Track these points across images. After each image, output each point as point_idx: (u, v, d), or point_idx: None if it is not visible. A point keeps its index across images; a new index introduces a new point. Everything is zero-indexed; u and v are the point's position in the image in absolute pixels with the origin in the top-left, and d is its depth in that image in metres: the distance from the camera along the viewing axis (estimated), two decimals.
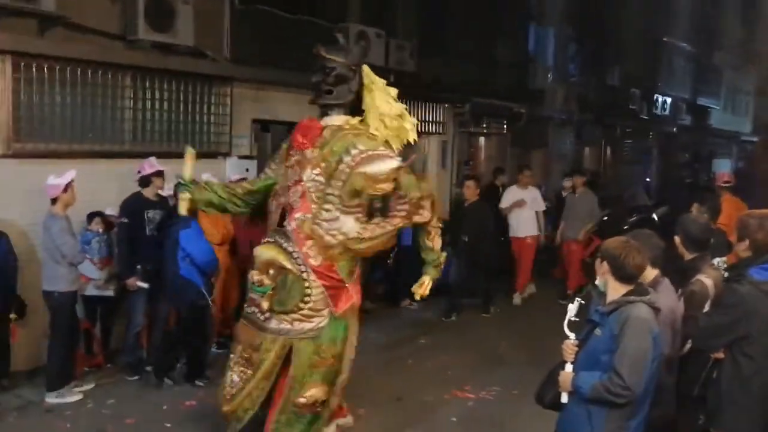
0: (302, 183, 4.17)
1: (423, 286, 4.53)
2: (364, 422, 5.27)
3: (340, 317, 4.16)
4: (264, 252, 4.12)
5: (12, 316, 5.49)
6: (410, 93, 10.34)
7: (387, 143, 4.33)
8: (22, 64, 5.86)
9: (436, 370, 6.50)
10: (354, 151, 4.06)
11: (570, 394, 3.24)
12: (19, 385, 5.70)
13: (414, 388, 6.01)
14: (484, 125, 12.89)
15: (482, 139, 13.42)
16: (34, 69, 5.95)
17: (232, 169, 7.56)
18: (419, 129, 10.69)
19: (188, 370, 6.05)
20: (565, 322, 3.30)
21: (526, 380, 4.47)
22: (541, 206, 9.37)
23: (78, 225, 5.89)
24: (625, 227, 9.46)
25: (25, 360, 5.92)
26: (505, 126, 13.20)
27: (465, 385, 6.07)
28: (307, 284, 4.06)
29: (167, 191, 6.14)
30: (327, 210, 4.08)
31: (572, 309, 3.31)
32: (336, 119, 4.30)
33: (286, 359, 4.19)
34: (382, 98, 4.34)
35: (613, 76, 16.63)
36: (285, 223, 4.21)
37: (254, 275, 4.13)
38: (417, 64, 10.37)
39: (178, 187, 4.41)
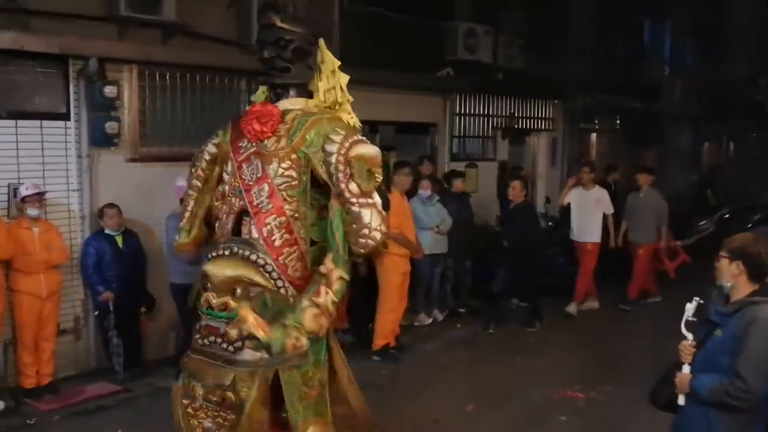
0: (268, 180, 3.28)
1: None
2: (472, 419, 5.27)
3: (322, 338, 3.30)
4: (222, 269, 3.22)
5: (142, 309, 5.93)
6: (520, 90, 10.24)
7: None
8: (147, 72, 6.26)
9: (544, 369, 6.40)
10: (337, 138, 3.22)
11: (687, 396, 3.11)
12: (150, 373, 6.06)
13: (522, 386, 5.94)
14: (596, 121, 12.53)
15: (594, 136, 13.04)
16: (157, 77, 6.34)
17: None
18: (528, 126, 10.81)
19: None
20: (683, 322, 3.16)
21: (639, 381, 4.31)
22: (609, 208, 8.33)
23: None
24: (749, 225, 8.93)
25: (155, 350, 6.34)
26: (618, 122, 12.76)
27: (575, 385, 5.93)
28: (292, 300, 3.21)
29: None
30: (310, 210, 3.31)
31: (690, 309, 3.17)
32: (295, 102, 3.41)
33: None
34: (326, 83, 3.50)
35: (734, 67, 15.70)
36: (246, 231, 3.33)
37: (211, 298, 3.22)
38: (526, 61, 10.24)
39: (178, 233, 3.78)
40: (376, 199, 3.22)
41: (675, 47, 14.33)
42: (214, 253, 3.33)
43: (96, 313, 5.93)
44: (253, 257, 3.20)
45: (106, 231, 5.83)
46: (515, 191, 7.62)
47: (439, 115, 9.38)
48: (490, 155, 10.17)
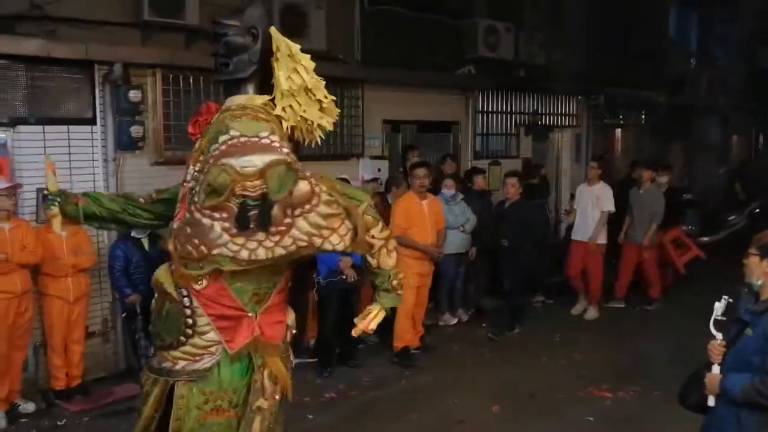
0: (185, 183, 3.06)
1: (368, 319, 3.10)
2: (497, 419, 5.25)
3: (237, 355, 2.95)
4: (156, 273, 3.09)
5: None
6: (542, 86, 10.17)
7: (297, 129, 3.14)
8: (170, 76, 6.31)
9: (569, 368, 6.36)
10: (223, 138, 2.86)
11: (717, 397, 3.07)
12: None
13: (548, 384, 5.91)
14: (621, 116, 12.39)
15: (618, 131, 12.90)
16: (180, 80, 6.39)
17: (364, 169, 7.76)
18: (551, 122, 10.74)
19: (341, 354, 6.43)
20: (711, 321, 3.12)
21: (667, 380, 4.26)
22: (607, 205, 7.93)
23: None
24: None
25: None
26: (642, 116, 12.61)
27: (602, 384, 5.88)
28: (189, 312, 2.92)
29: None
30: (190, 212, 2.89)
31: (719, 308, 3.12)
32: (238, 99, 3.08)
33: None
34: (286, 69, 3.09)
35: (762, 58, 15.43)
36: None
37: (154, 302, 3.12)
38: (548, 56, 10.16)
39: (45, 201, 3.43)
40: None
41: (701, 38, 14.11)
42: None
43: (124, 315, 6.01)
44: (169, 262, 3.01)
45: (133, 234, 5.89)
46: (513, 188, 7.45)
47: (462, 113, 9.35)
48: (513, 153, 10.11)
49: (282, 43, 3.11)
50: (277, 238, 2.75)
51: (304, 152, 7.05)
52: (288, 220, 2.75)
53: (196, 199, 2.82)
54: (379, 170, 7.78)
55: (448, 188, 7.37)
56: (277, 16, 7.09)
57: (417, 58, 8.51)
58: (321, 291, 6.25)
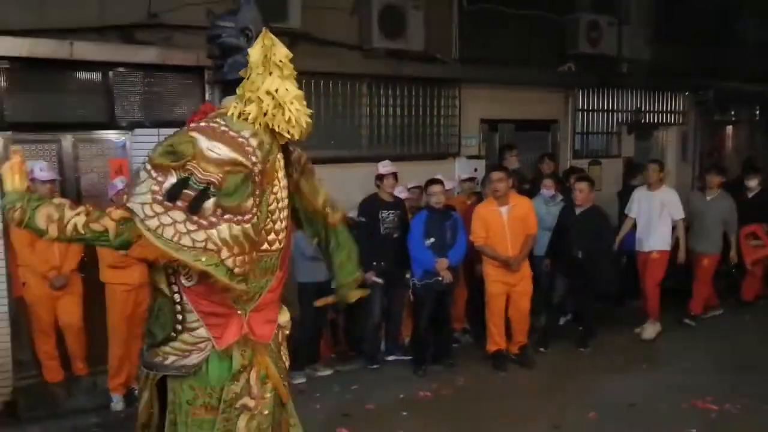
0: None
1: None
2: (594, 427, 5.16)
3: (225, 352, 2.93)
4: (150, 270, 3.08)
5: None
6: (646, 82, 9.84)
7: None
8: None
9: (672, 377, 6.13)
10: (207, 119, 2.87)
11: None
12: None
13: (649, 394, 5.73)
14: (732, 112, 11.79)
15: (729, 128, 12.28)
16: None
17: (461, 168, 7.78)
18: (655, 120, 10.34)
19: (436, 353, 6.46)
20: None
21: None
22: (678, 213, 7.24)
23: None
24: None
25: None
26: (756, 112, 11.95)
27: (706, 395, 5.65)
28: (179, 308, 2.94)
29: (400, 192, 6.57)
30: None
31: None
32: (231, 99, 2.97)
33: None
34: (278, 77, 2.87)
35: None
36: None
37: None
38: (653, 51, 9.82)
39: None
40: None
41: None
42: None
43: None
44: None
45: None
46: (582, 194, 6.79)
47: (561, 111, 9.18)
48: (614, 152, 9.83)
49: (275, 45, 2.89)
50: (193, 227, 2.65)
51: (400, 152, 7.30)
52: (213, 219, 2.67)
53: (151, 154, 2.69)
54: (476, 170, 7.77)
55: (548, 188, 7.27)
56: (375, 17, 7.23)
57: (515, 56, 8.42)
58: (416, 292, 6.32)
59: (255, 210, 2.72)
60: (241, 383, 2.91)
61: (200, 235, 2.62)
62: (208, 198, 2.63)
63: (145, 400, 3.03)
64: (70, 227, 2.64)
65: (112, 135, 6.10)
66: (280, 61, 2.81)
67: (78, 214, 2.66)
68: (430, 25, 7.69)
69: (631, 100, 9.95)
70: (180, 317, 2.89)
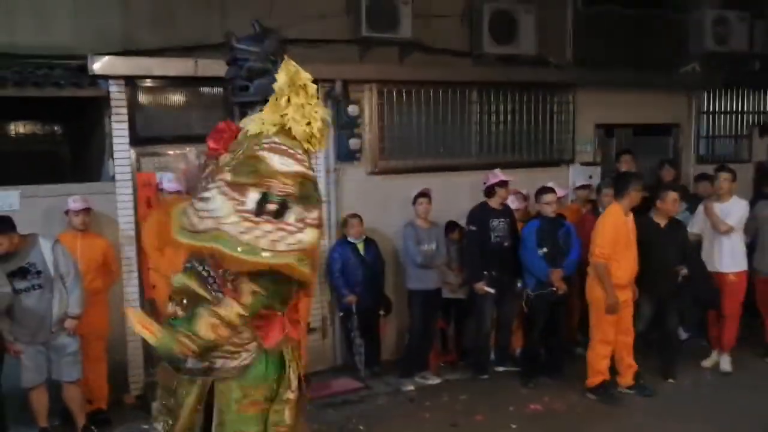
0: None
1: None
2: None
3: (272, 352, 3.21)
4: (177, 278, 3.32)
5: (380, 312, 6.34)
6: None
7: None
8: (385, 90, 6.65)
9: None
10: (266, 140, 3.08)
11: None
12: (387, 372, 6.43)
13: None
14: None
15: None
16: (394, 94, 6.70)
17: (575, 176, 7.56)
18: None
19: (547, 365, 6.31)
20: None
21: None
22: (733, 221, 6.28)
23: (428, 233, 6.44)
24: None
25: (393, 351, 6.73)
26: None
27: None
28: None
29: (512, 201, 6.51)
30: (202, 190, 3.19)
31: None
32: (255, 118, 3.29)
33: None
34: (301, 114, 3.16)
35: None
36: None
37: (169, 307, 3.34)
38: None
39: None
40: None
41: None
42: (184, 265, 3.35)
43: (341, 314, 6.45)
44: (199, 269, 3.22)
45: (349, 239, 6.30)
46: (668, 204, 6.05)
47: (683, 114, 8.72)
48: (744, 156, 9.21)
49: (298, 73, 3.10)
50: (282, 234, 2.90)
51: (511, 159, 7.19)
52: (300, 225, 2.94)
53: (223, 176, 2.98)
54: (591, 177, 7.53)
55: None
56: (486, 23, 7.19)
57: (633, 58, 8.10)
58: (531, 303, 6.19)
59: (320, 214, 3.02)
60: (285, 379, 3.20)
61: (291, 239, 2.88)
62: (289, 208, 2.90)
63: (190, 406, 3.20)
64: (234, 320, 2.97)
65: None
66: (305, 84, 3.08)
67: (225, 308, 2.97)
68: (543, 29, 7.54)
69: (764, 100, 9.30)
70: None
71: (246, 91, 3.32)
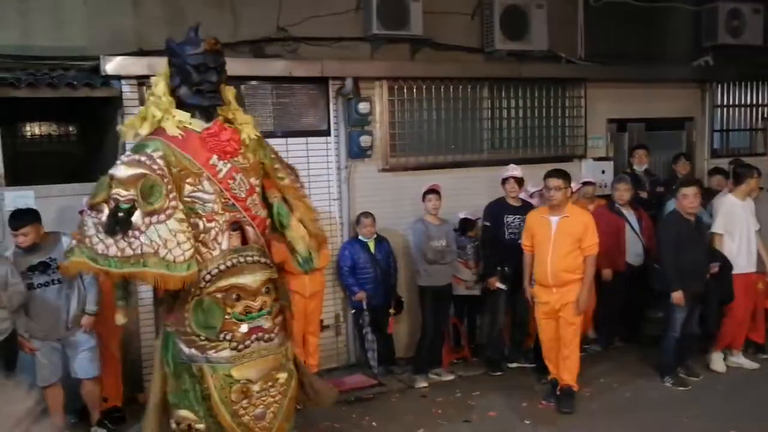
0: (256, 192, 3.89)
1: None
2: None
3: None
4: (254, 276, 3.74)
5: (391, 310, 6.33)
6: None
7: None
8: (396, 87, 6.65)
9: None
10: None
11: None
12: (400, 370, 6.44)
13: None
14: None
15: None
16: (405, 90, 6.70)
17: (587, 171, 7.52)
18: None
19: None
20: None
21: None
22: (755, 223, 6.22)
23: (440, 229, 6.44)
24: None
25: (405, 349, 6.73)
26: None
27: None
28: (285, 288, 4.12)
29: (529, 197, 6.49)
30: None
31: None
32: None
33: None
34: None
35: None
36: (252, 239, 3.82)
37: (251, 303, 3.72)
38: None
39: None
40: None
41: None
42: (229, 264, 3.69)
43: (353, 311, 6.46)
44: (263, 260, 3.81)
45: (360, 237, 6.30)
46: (688, 199, 5.80)
47: (697, 108, 8.65)
48: (759, 150, 9.12)
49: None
50: (130, 240, 3.39)
51: (523, 155, 7.13)
52: (143, 228, 3.41)
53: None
54: (603, 172, 7.50)
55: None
56: (497, 19, 7.19)
57: (645, 51, 8.05)
58: None
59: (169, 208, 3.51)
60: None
61: (135, 243, 3.46)
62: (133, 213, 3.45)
63: (289, 373, 3.95)
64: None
65: None
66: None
67: None
68: (554, 24, 7.51)
69: None
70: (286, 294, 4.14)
71: (217, 94, 3.84)
